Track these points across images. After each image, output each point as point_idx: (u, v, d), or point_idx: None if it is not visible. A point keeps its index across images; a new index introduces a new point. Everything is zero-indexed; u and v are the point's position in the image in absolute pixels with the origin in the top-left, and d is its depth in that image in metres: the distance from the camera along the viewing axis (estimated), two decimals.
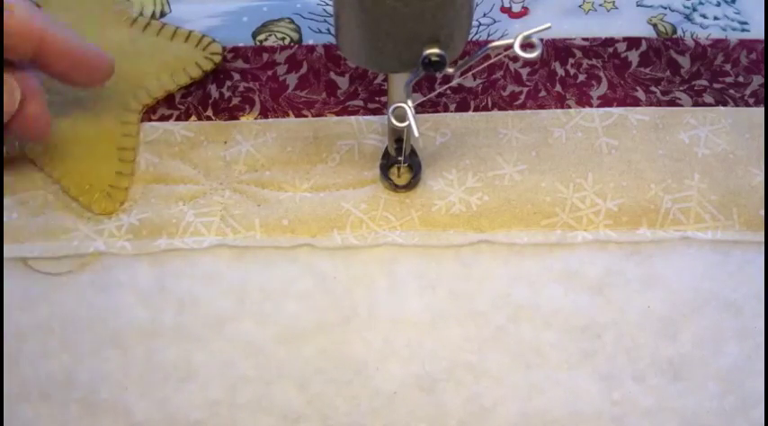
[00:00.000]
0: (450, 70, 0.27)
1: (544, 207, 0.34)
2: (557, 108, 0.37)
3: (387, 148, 0.35)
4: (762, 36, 0.38)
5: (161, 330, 0.32)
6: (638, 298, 0.33)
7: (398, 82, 0.29)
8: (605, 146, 0.36)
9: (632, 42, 0.38)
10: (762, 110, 0.37)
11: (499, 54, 0.27)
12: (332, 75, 0.38)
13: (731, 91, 0.37)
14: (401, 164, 0.34)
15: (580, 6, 0.39)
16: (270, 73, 0.38)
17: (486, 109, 0.37)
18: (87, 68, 0.33)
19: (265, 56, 0.38)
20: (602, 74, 0.38)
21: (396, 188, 0.34)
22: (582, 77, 0.38)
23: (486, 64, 0.28)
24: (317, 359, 0.32)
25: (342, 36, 0.28)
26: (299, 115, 0.37)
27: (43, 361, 0.32)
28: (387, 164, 0.35)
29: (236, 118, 0.37)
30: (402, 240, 0.34)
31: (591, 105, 0.37)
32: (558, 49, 0.38)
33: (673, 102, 0.37)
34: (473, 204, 0.34)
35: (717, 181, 0.35)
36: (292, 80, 0.38)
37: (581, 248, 0.34)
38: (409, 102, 0.28)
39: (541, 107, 0.37)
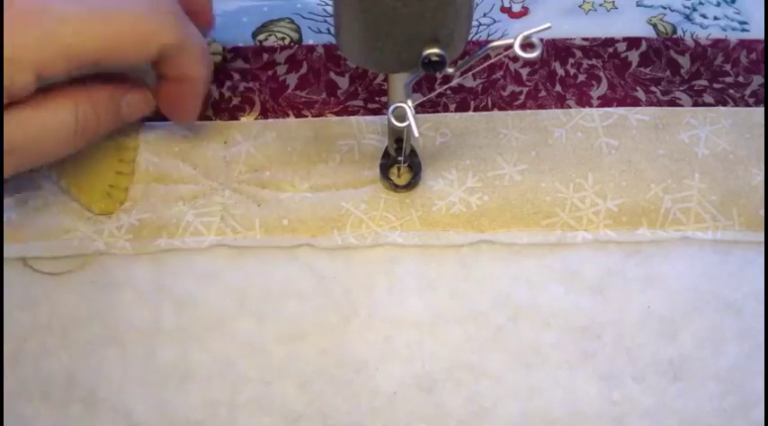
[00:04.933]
0: (450, 70, 0.27)
1: (544, 207, 0.34)
2: (557, 108, 0.37)
3: (387, 148, 0.35)
4: (762, 36, 0.38)
5: (161, 330, 0.32)
6: (638, 298, 0.33)
7: (398, 82, 0.29)
8: (605, 146, 0.36)
9: (632, 42, 0.38)
10: (762, 110, 0.37)
11: (499, 54, 0.27)
12: (332, 75, 0.38)
13: (731, 91, 0.37)
14: (401, 164, 0.34)
15: (580, 6, 0.39)
16: (270, 73, 0.38)
17: (486, 109, 0.37)
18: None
19: (265, 56, 0.38)
20: (602, 74, 0.38)
21: (396, 188, 0.34)
22: (582, 77, 0.38)
23: (486, 64, 0.28)
24: (317, 359, 0.32)
25: (342, 36, 0.28)
26: (299, 115, 0.37)
27: (43, 361, 0.32)
28: (387, 164, 0.35)
29: (236, 118, 0.37)
30: (402, 240, 0.34)
31: (591, 105, 0.37)
32: (558, 49, 0.38)
33: (673, 102, 0.37)
34: (473, 204, 0.34)
35: (717, 181, 0.35)
36: (292, 80, 0.38)
37: (581, 248, 0.34)
38: (409, 102, 0.28)
39: (541, 107, 0.37)
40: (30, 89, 0.27)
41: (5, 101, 0.27)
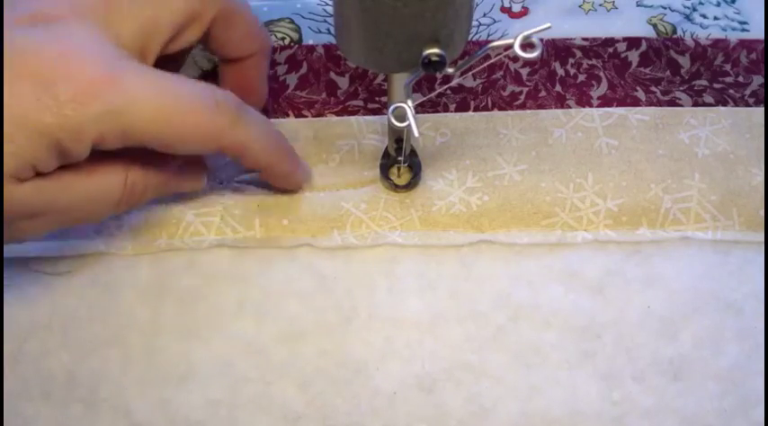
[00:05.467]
0: (450, 70, 0.27)
1: (544, 207, 0.34)
2: (557, 108, 0.37)
3: (387, 148, 0.35)
4: (762, 36, 0.38)
5: (161, 329, 0.32)
6: (638, 298, 0.33)
7: (398, 82, 0.29)
8: (605, 146, 0.36)
9: (632, 42, 0.38)
10: (762, 110, 0.37)
11: (499, 54, 0.27)
12: (332, 75, 0.38)
13: (731, 91, 0.37)
14: (401, 164, 0.34)
15: (580, 6, 0.39)
16: (270, 73, 0.38)
17: (486, 109, 0.37)
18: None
19: None
20: (602, 74, 0.38)
21: (396, 188, 0.34)
22: (582, 77, 0.38)
23: (486, 64, 0.28)
24: (317, 359, 0.32)
25: (342, 36, 0.28)
26: (299, 115, 0.37)
27: (43, 360, 0.32)
28: (387, 164, 0.35)
29: None
30: (402, 240, 0.34)
31: (591, 105, 0.37)
32: (558, 49, 0.38)
33: (673, 102, 0.37)
34: (473, 204, 0.34)
35: (717, 181, 0.35)
36: (292, 80, 0.38)
37: (581, 248, 0.34)
38: (409, 102, 0.28)
39: (541, 107, 0.37)
40: (83, 157, 0.26)
41: (60, 163, 0.26)
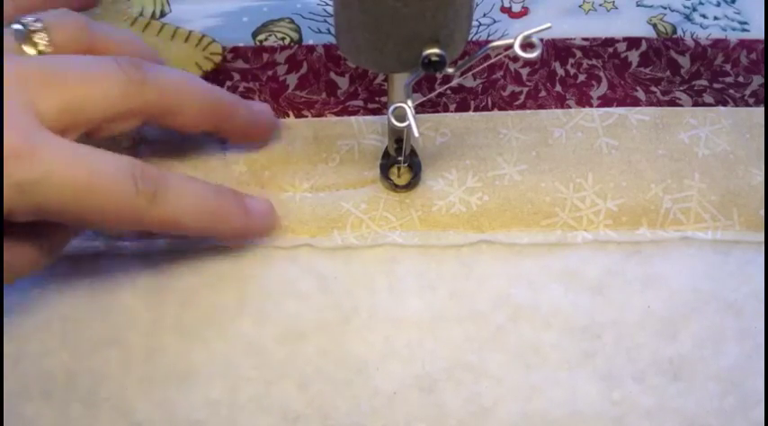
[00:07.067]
0: (450, 70, 0.27)
1: (544, 207, 0.34)
2: (557, 108, 0.37)
3: (387, 148, 0.35)
4: (762, 36, 0.38)
5: (161, 329, 0.32)
6: (638, 298, 0.33)
7: (398, 82, 0.29)
8: (605, 146, 0.36)
9: (632, 42, 0.38)
10: (762, 110, 0.37)
11: (499, 54, 0.27)
12: (332, 75, 0.38)
13: (731, 91, 0.37)
14: (401, 164, 0.34)
15: (580, 6, 0.39)
16: (270, 73, 0.38)
17: (486, 109, 0.37)
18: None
19: (265, 56, 0.38)
20: (602, 74, 0.38)
21: (396, 188, 0.34)
22: (582, 77, 0.38)
23: (486, 64, 0.28)
24: (317, 359, 0.32)
25: (342, 36, 0.28)
26: (299, 115, 0.37)
27: (44, 360, 0.32)
28: (387, 164, 0.35)
29: None
30: (402, 240, 0.34)
31: (591, 105, 0.37)
32: (558, 49, 0.38)
33: (673, 102, 0.37)
34: (473, 204, 0.34)
35: (717, 181, 0.35)
36: (292, 80, 0.38)
37: (581, 248, 0.34)
38: (409, 102, 0.28)
39: (541, 107, 0.37)
40: None
41: None
